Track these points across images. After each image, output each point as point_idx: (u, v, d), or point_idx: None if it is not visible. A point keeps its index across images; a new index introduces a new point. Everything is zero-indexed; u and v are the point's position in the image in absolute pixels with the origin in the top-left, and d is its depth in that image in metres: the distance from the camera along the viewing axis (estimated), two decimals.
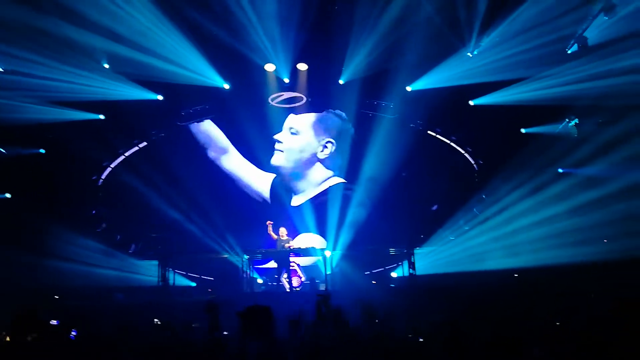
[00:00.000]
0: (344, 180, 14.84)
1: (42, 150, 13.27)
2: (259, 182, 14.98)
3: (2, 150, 12.60)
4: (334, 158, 14.84)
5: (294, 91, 14.58)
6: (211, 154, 14.95)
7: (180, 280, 13.02)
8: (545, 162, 12.93)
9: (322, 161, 14.81)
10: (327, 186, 14.84)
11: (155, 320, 8.32)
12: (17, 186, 12.92)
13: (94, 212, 13.99)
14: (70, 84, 12.14)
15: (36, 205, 12.40)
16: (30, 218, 11.98)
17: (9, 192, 12.93)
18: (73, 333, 5.95)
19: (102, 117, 13.45)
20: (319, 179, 14.88)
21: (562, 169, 13.10)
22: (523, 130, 13.73)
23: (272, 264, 13.26)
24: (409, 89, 13.99)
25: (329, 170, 14.90)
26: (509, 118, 13.36)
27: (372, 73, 13.71)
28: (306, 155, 14.76)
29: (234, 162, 15.01)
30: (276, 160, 14.71)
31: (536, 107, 12.67)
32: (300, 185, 14.90)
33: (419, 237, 13.81)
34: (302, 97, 14.63)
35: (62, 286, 11.13)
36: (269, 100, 14.58)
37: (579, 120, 12.95)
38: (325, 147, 14.74)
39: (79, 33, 11.31)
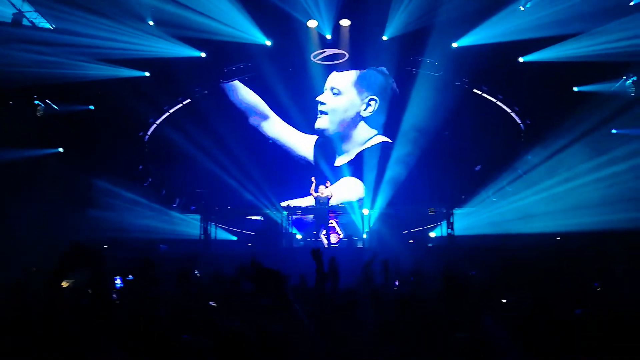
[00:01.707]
0: (387, 139, 14.67)
1: (92, 107, 13.74)
2: (302, 145, 15.01)
3: (54, 106, 13.12)
4: (376, 116, 14.64)
5: (336, 48, 14.35)
6: (252, 120, 15.06)
7: (221, 234, 13.44)
8: (598, 122, 12.27)
9: (365, 120, 14.65)
10: (371, 144, 14.72)
11: (196, 271, 8.60)
12: (68, 141, 13.47)
13: (140, 167, 14.44)
14: (117, 42, 12.38)
15: (85, 160, 12.95)
16: (80, 172, 12.50)
17: (61, 147, 13.51)
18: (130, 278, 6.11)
19: (147, 74, 13.73)
20: (364, 138, 14.76)
21: (616, 130, 12.44)
22: (575, 89, 13.06)
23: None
24: (454, 45, 13.51)
25: (373, 129, 14.74)
26: (559, 76, 12.71)
27: (416, 29, 13.22)
28: (350, 114, 14.62)
29: (276, 128, 15.09)
30: (320, 123, 14.63)
31: (590, 64, 11.91)
32: (345, 145, 14.83)
33: (459, 198, 13.60)
34: (345, 54, 14.37)
35: (110, 238, 11.60)
36: (311, 58, 14.42)
37: (637, 78, 12.17)
38: (369, 104, 14.53)
39: None
